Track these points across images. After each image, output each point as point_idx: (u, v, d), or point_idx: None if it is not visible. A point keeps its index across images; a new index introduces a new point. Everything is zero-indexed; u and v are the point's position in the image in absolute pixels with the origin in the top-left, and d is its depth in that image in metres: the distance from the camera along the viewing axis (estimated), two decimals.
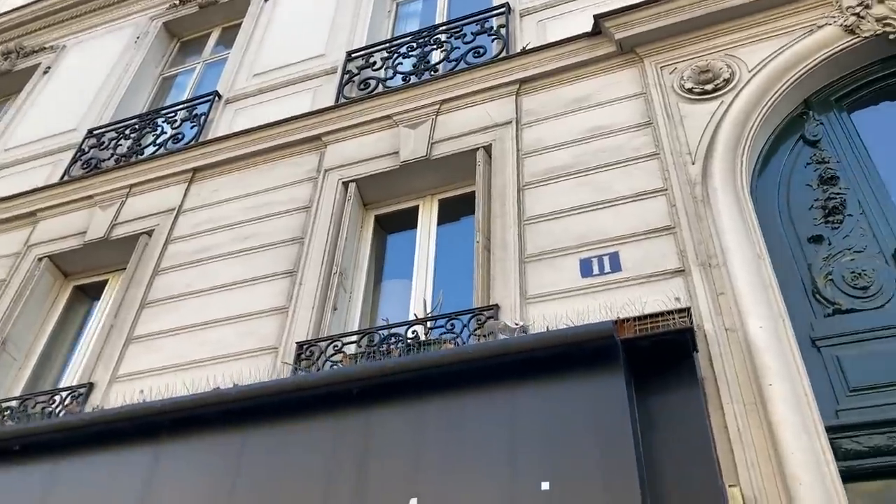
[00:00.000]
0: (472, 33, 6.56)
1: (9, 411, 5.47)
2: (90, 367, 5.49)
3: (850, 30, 4.95)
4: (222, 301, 5.43)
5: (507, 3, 6.73)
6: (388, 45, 7.01)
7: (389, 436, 3.78)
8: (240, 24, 8.58)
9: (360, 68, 6.86)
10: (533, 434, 3.50)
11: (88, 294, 6.75)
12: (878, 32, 4.87)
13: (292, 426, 4.01)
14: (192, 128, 7.25)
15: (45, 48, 9.60)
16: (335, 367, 4.57)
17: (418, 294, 5.21)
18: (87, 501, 4.18)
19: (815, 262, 4.20)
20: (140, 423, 4.34)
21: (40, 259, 6.65)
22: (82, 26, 9.70)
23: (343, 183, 5.86)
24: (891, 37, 4.83)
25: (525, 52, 5.96)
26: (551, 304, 4.35)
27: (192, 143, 6.96)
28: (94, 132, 7.79)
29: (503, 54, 6.19)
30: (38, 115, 8.62)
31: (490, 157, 5.46)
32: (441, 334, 4.54)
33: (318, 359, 4.73)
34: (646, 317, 3.75)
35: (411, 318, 4.95)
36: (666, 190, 4.65)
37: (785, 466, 3.27)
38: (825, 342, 3.86)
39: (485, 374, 3.78)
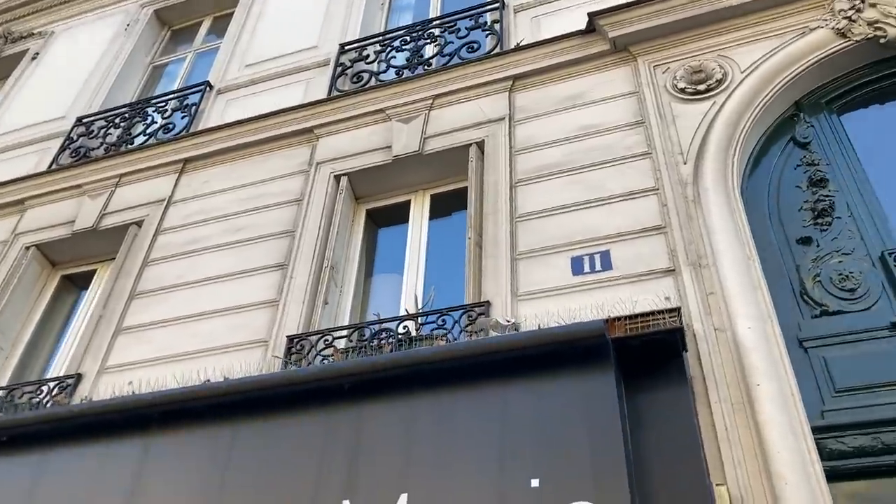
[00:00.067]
0: (465, 28, 6.56)
1: None
2: (78, 358, 5.46)
3: (841, 33, 4.99)
4: (213, 293, 5.41)
5: None
6: (381, 38, 6.99)
7: (380, 431, 3.79)
8: (232, 14, 8.53)
9: (353, 61, 6.84)
10: (523, 431, 3.52)
11: (76, 284, 6.71)
12: (868, 36, 4.91)
13: (283, 420, 4.02)
14: (182, 118, 7.21)
15: (33, 34, 9.50)
16: (326, 361, 4.58)
17: (409, 289, 5.23)
18: (77, 493, 4.17)
19: (804, 263, 4.25)
20: (130, 416, 4.33)
21: (27, 248, 6.60)
22: (71, 12, 9.60)
23: (335, 176, 5.85)
24: (881, 41, 4.88)
25: (519, 49, 5.96)
26: (542, 301, 4.37)
27: (183, 133, 6.92)
28: (83, 120, 7.73)
29: (497, 50, 6.19)
30: (26, 102, 8.54)
31: (483, 153, 5.47)
32: (432, 330, 4.56)
33: (308, 353, 4.74)
34: (636, 316, 3.78)
35: (402, 313, 4.96)
36: (657, 189, 4.68)
37: (771, 466, 3.31)
38: (812, 343, 3.91)
39: (476, 371, 3.79)
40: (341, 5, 7.60)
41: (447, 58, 6.34)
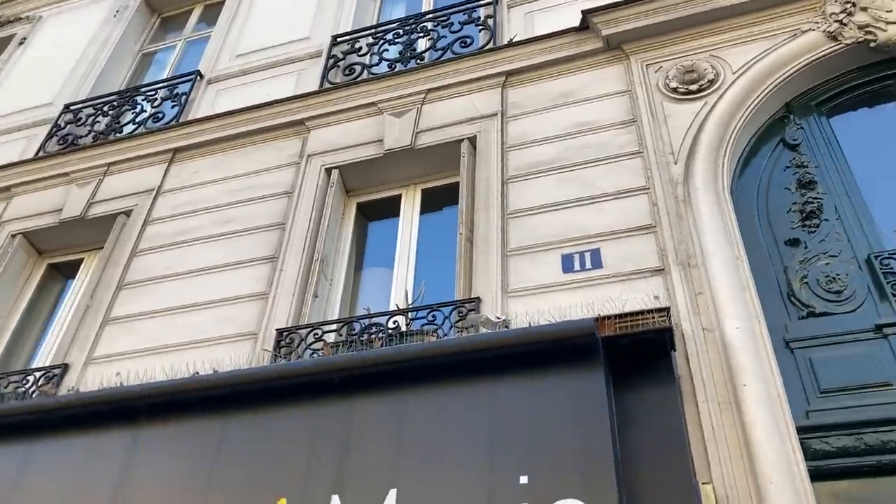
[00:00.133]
0: (459, 22, 6.55)
1: None
2: (65, 348, 5.44)
3: (832, 36, 5.03)
4: (202, 285, 5.40)
5: None
6: (373, 30, 6.97)
7: (370, 426, 3.81)
8: (223, 2, 8.47)
9: (346, 53, 6.82)
10: (513, 428, 3.55)
11: (63, 272, 6.67)
12: (859, 40, 4.95)
13: (273, 414, 4.02)
14: (172, 107, 7.16)
15: (20, 18, 9.38)
16: (315, 355, 4.58)
17: (399, 284, 5.23)
18: (64, 485, 4.16)
19: (792, 264, 4.29)
20: (118, 407, 4.32)
21: (14, 236, 6.56)
22: None
23: (326, 169, 5.84)
24: (871, 45, 4.92)
25: (512, 45, 5.96)
26: (533, 298, 4.39)
27: (173, 122, 6.87)
28: (71, 107, 7.65)
29: (490, 45, 6.19)
30: (13, 88, 8.44)
31: (475, 148, 5.48)
32: (422, 325, 4.57)
33: (297, 346, 4.74)
34: (626, 315, 3.81)
35: (392, 307, 4.97)
36: (648, 189, 4.71)
37: (756, 465, 3.36)
38: (798, 344, 3.95)
39: (466, 368, 3.81)
40: None
41: (440, 52, 6.33)
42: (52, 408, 4.50)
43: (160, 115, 7.10)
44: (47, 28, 9.17)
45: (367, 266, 5.72)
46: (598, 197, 4.78)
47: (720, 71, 5.14)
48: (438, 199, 5.71)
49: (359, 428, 3.82)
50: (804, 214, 4.47)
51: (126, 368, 4.97)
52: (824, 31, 5.06)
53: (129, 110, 7.40)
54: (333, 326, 4.90)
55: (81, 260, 6.57)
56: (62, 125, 7.48)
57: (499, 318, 4.18)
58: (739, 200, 4.66)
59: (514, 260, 4.67)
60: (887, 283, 4.01)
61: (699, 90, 5.08)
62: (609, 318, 3.78)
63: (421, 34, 6.69)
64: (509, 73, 5.83)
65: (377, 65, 6.59)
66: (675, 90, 5.15)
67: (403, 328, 4.65)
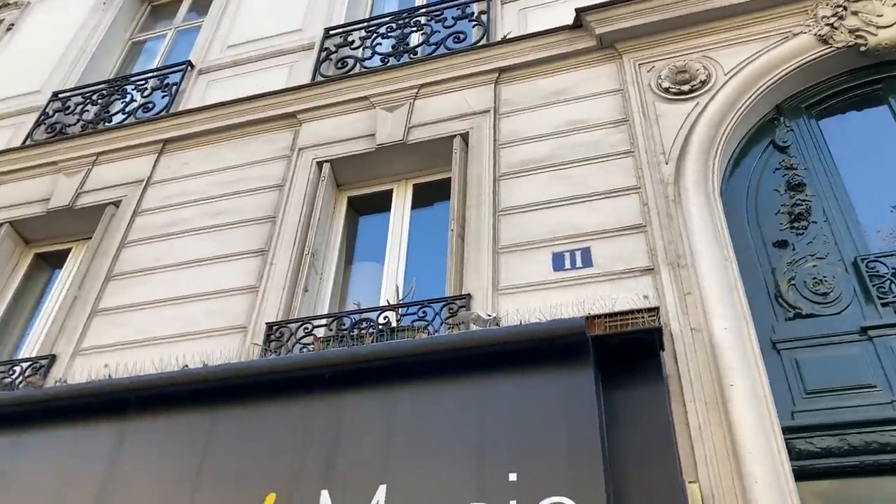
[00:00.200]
0: (452, 17, 6.54)
1: None
2: (52, 339, 5.40)
3: (823, 39, 5.07)
4: (191, 277, 5.38)
5: None
6: (366, 24, 6.95)
7: (360, 422, 3.82)
8: None
9: (338, 46, 6.79)
10: (503, 426, 3.57)
11: (50, 262, 6.62)
12: (850, 43, 4.99)
13: (263, 408, 4.02)
14: (163, 97, 7.11)
15: (8, 4, 9.28)
16: (305, 349, 4.59)
17: (390, 279, 5.24)
18: (51, 476, 4.14)
19: (780, 266, 4.34)
20: (106, 400, 4.30)
21: (0, 224, 6.49)
22: None
23: (317, 163, 5.83)
24: (861, 48, 4.97)
25: (506, 41, 5.97)
26: (523, 296, 4.41)
27: (164, 113, 6.83)
28: (60, 95, 7.58)
29: (483, 41, 6.18)
30: (0, 75, 8.34)
31: (467, 145, 5.48)
32: (413, 321, 4.58)
33: (287, 340, 4.74)
34: (616, 314, 3.83)
35: (382, 302, 4.98)
36: (639, 188, 4.73)
37: (742, 465, 3.40)
38: (785, 345, 4.00)
39: (457, 365, 3.83)
40: None
41: (433, 47, 6.32)
42: (39, 399, 4.48)
43: (150, 105, 7.05)
44: (35, 14, 9.07)
45: (357, 261, 5.72)
46: (590, 196, 4.80)
47: (712, 72, 5.17)
48: (430, 195, 5.71)
49: (349, 423, 3.82)
50: (793, 216, 4.51)
51: (114, 360, 4.95)
52: (815, 35, 5.10)
53: (119, 99, 7.34)
54: (323, 321, 4.90)
55: (69, 250, 6.52)
56: (50, 113, 7.42)
57: (489, 316, 4.20)
58: (729, 201, 4.70)
59: (504, 257, 4.68)
60: (873, 285, 4.07)
61: (691, 91, 5.11)
62: (599, 317, 3.81)
63: (414, 28, 6.67)
64: (502, 70, 5.83)
65: (370, 58, 6.57)
66: (667, 90, 5.17)
67: (394, 324, 4.66)
